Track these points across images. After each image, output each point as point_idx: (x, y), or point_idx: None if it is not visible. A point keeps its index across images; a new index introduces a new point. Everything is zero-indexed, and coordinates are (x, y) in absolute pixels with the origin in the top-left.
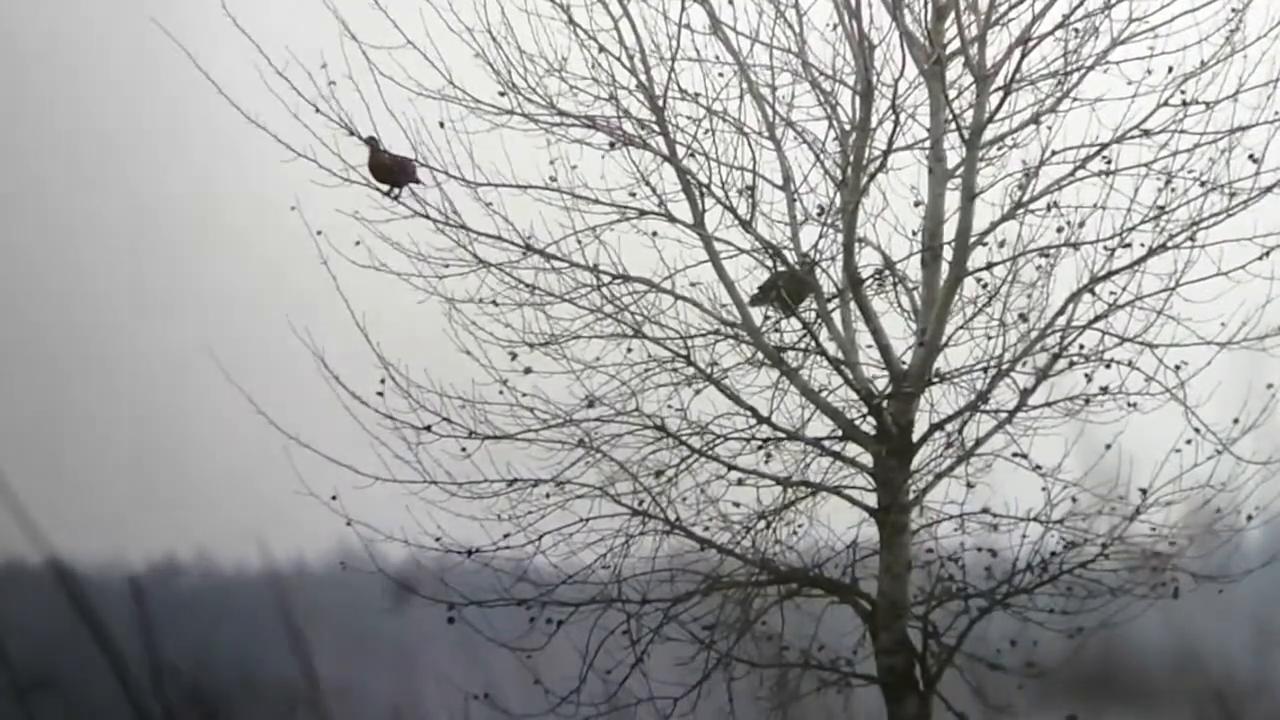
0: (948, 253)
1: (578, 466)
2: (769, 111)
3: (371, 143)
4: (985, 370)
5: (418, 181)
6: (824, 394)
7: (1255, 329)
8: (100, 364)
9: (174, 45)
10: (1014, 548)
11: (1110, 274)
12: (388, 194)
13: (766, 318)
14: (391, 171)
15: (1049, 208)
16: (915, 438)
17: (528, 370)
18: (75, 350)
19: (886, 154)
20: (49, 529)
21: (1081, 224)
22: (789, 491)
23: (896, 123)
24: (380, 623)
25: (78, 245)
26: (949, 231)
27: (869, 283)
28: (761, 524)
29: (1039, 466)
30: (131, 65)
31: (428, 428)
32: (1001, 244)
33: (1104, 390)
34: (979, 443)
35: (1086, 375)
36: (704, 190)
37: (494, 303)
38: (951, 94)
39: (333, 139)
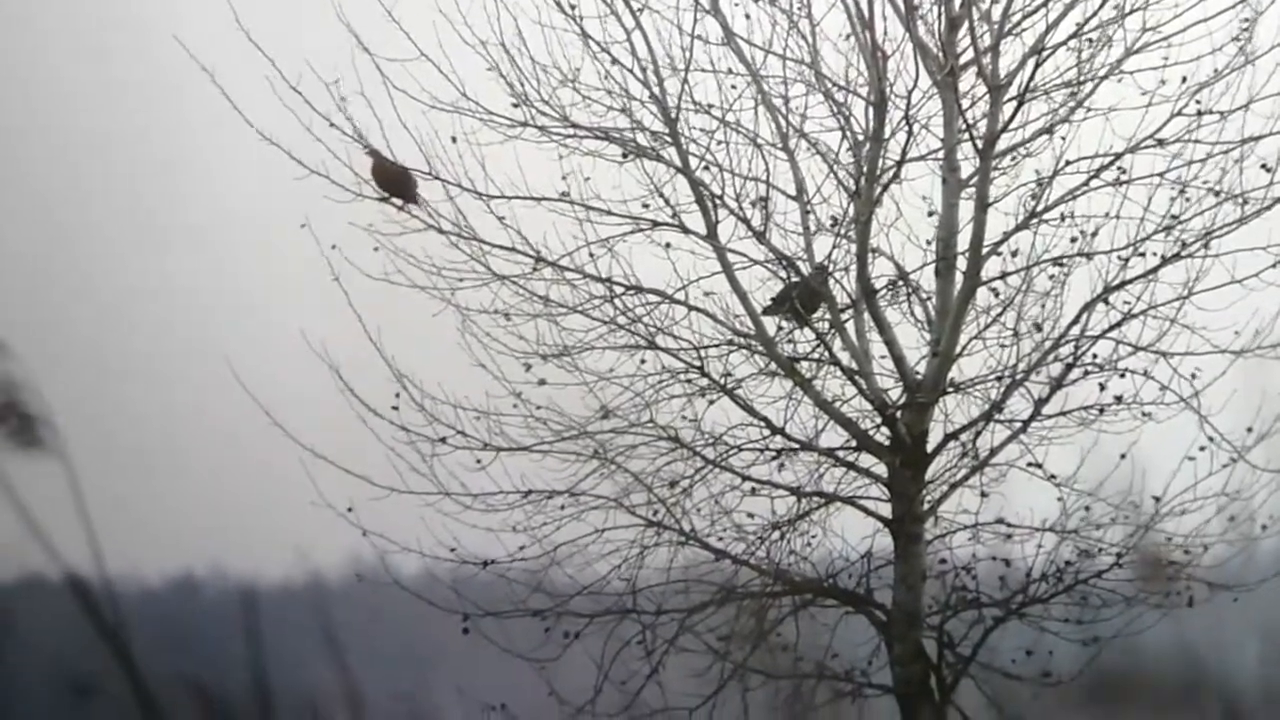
0: (961, 263)
1: (592, 478)
2: (782, 122)
3: (374, 153)
4: (999, 380)
5: (416, 202)
6: (838, 404)
7: (1269, 337)
8: (114, 378)
9: (186, 60)
10: (1028, 558)
11: (1124, 283)
12: (394, 205)
13: (780, 328)
14: (397, 179)
15: (1063, 217)
16: (930, 448)
17: (542, 382)
18: (87, 364)
19: (900, 164)
20: (64, 544)
21: (1095, 233)
22: (803, 502)
23: (910, 133)
24: (395, 634)
25: (86, 256)
26: (963, 241)
27: (882, 293)
28: (776, 535)
29: (1053, 476)
30: (140, 78)
31: (442, 440)
32: (1015, 254)
33: (1118, 399)
34: (993, 452)
35: (1100, 384)
36: (717, 201)
37: (507, 315)
38: (965, 104)
39: (345, 153)
